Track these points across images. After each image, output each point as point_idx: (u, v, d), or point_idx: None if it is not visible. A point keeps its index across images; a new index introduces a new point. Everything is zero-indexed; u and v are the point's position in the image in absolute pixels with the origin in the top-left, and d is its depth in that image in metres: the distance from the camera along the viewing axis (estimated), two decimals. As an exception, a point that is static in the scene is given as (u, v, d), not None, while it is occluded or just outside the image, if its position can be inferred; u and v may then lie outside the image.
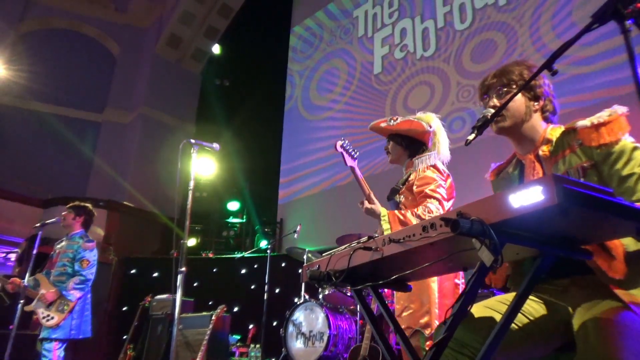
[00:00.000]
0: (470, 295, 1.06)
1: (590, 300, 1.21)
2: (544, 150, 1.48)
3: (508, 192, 0.92)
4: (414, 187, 2.37)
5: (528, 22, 5.48)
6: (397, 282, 1.48)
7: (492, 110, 1.44)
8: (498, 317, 1.27)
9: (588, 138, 1.36)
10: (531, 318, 1.32)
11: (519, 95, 1.51)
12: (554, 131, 1.51)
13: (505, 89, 1.57)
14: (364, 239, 1.37)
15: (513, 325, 1.28)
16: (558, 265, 1.10)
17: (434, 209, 2.25)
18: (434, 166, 2.43)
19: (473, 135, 1.37)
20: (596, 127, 1.35)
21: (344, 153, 2.52)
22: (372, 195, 2.40)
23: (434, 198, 2.30)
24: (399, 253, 1.18)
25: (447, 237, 1.01)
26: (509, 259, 1.36)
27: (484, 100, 1.64)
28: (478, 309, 1.36)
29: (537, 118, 1.55)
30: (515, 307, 1.06)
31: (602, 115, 1.35)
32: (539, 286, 1.37)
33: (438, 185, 2.34)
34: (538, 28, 5.34)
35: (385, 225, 2.24)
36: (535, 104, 1.56)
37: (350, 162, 2.52)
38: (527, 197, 0.88)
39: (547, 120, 1.57)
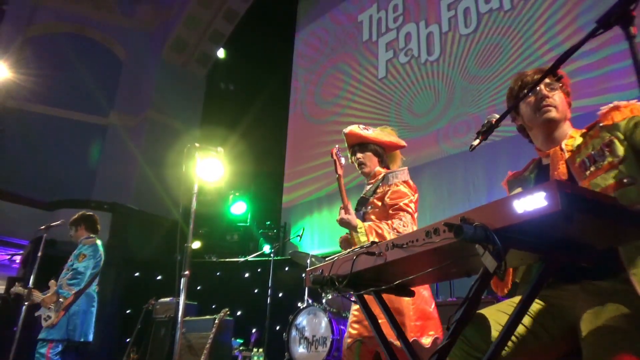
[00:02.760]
0: (473, 301, 1.05)
1: (598, 306, 1.20)
2: (567, 144, 1.49)
3: (511, 197, 0.92)
4: (386, 199, 2.39)
5: (533, 26, 5.47)
6: (401, 288, 1.47)
7: (497, 116, 1.43)
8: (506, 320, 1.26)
9: (608, 117, 1.37)
10: (539, 322, 1.32)
11: (562, 94, 1.55)
12: (577, 132, 1.53)
13: (558, 84, 1.57)
14: (367, 243, 1.37)
15: (521, 329, 1.27)
16: (566, 270, 1.10)
17: (409, 222, 2.33)
18: (407, 182, 2.49)
19: (477, 141, 1.37)
20: (616, 107, 1.37)
21: (337, 161, 2.53)
22: (349, 207, 2.37)
23: (407, 212, 2.36)
24: (402, 258, 1.17)
25: (450, 243, 1.01)
26: (513, 265, 1.35)
27: (522, 95, 1.58)
28: (490, 312, 1.36)
29: (568, 120, 1.58)
30: (520, 311, 1.06)
31: (622, 102, 1.37)
32: (548, 291, 1.36)
33: (410, 200, 2.42)
34: (544, 33, 5.33)
35: (363, 238, 2.23)
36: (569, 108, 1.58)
37: (340, 170, 2.53)
38: (531, 202, 0.87)
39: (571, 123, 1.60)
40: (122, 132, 11.47)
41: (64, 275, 4.03)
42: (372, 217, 2.42)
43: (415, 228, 2.35)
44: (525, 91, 1.58)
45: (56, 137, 10.65)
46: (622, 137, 1.32)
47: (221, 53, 12.05)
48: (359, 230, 2.27)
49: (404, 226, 2.29)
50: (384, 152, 2.62)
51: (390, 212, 2.36)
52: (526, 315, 1.28)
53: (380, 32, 7.60)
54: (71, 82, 11.11)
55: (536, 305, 1.34)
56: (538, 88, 1.55)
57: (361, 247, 1.38)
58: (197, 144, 2.75)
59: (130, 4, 12.37)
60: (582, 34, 1.17)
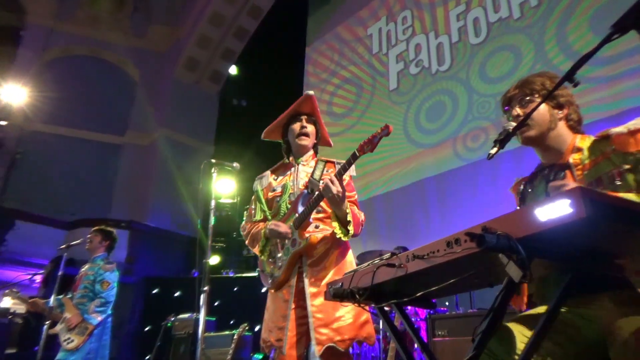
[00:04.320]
0: (498, 312, 1.04)
1: (627, 316, 1.17)
2: (574, 158, 1.46)
3: (534, 205, 0.91)
4: None
5: (544, 35, 5.45)
6: (422, 299, 1.46)
7: (514, 124, 1.43)
8: (531, 332, 1.24)
9: (624, 144, 1.34)
10: (565, 334, 1.29)
11: (542, 104, 1.49)
12: (584, 140, 1.49)
13: (528, 98, 1.56)
14: (387, 255, 1.36)
15: (547, 340, 1.25)
16: (593, 280, 1.08)
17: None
18: (351, 178, 2.38)
19: (495, 149, 1.36)
20: (632, 133, 1.33)
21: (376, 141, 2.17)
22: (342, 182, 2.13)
23: (359, 209, 2.29)
24: (423, 269, 1.16)
25: (472, 253, 1.00)
26: (537, 274, 1.33)
27: (506, 112, 1.63)
28: (513, 323, 1.33)
29: (562, 126, 1.54)
30: (546, 322, 1.04)
31: (638, 123, 1.34)
32: (573, 300, 1.33)
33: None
34: (556, 42, 5.30)
35: (351, 219, 2.08)
36: (559, 112, 1.54)
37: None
38: (554, 210, 0.86)
39: (573, 129, 1.55)
40: (137, 150, 11.64)
41: (82, 296, 4.06)
42: (323, 204, 2.24)
43: None
44: (505, 109, 1.60)
45: (73, 157, 10.83)
46: (632, 167, 1.30)
47: (233, 70, 12.21)
48: (347, 211, 2.11)
49: (363, 221, 2.25)
50: (318, 140, 2.54)
51: (346, 202, 2.21)
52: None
53: (390, 44, 7.64)
54: (88, 103, 11.33)
55: (561, 316, 1.32)
56: (509, 110, 1.57)
57: (380, 259, 1.37)
58: (213, 160, 2.78)
59: (143, 26, 12.63)
60: (596, 40, 1.15)
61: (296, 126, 2.44)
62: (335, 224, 2.14)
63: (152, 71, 12.21)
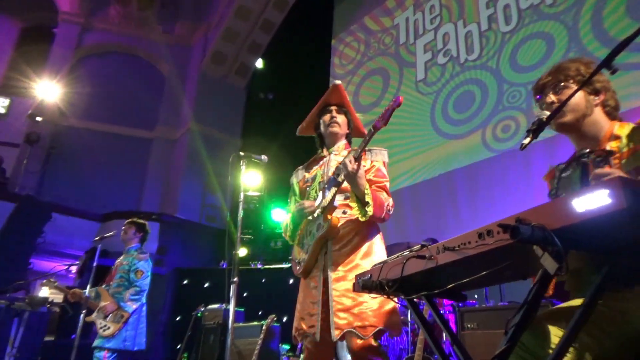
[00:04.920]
0: (532, 305, 1.02)
1: None
2: (612, 146, 1.41)
3: (571, 196, 0.88)
4: (370, 175, 2.22)
5: (579, 21, 5.27)
6: (452, 292, 1.45)
7: (547, 113, 1.38)
8: (565, 326, 1.21)
9: None
10: (600, 328, 1.25)
11: (571, 90, 1.44)
12: (623, 128, 1.43)
13: (562, 84, 1.50)
14: (416, 247, 1.35)
15: (582, 334, 1.21)
16: (631, 273, 1.04)
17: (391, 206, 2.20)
18: (385, 164, 2.33)
19: (528, 139, 1.33)
20: None
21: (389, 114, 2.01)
22: (361, 164, 2.07)
23: (389, 195, 2.22)
24: (454, 261, 1.15)
25: (505, 245, 0.98)
26: (573, 266, 1.30)
27: (538, 101, 1.58)
28: (546, 316, 1.30)
29: (599, 113, 1.48)
30: (582, 317, 1.01)
31: None
32: (610, 294, 1.29)
33: (388, 184, 2.29)
34: (591, 27, 5.12)
35: (370, 200, 2.02)
36: (596, 98, 1.49)
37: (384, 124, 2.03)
38: (593, 201, 0.84)
39: (610, 116, 1.49)
40: (166, 144, 11.87)
41: (119, 285, 4.19)
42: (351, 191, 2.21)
43: None
44: (537, 98, 1.54)
45: (105, 152, 11.14)
46: None
47: (259, 63, 12.28)
48: (366, 191, 2.05)
49: (392, 206, 2.18)
50: (351, 130, 2.53)
51: (374, 188, 2.19)
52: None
53: (418, 33, 7.52)
54: (118, 99, 11.61)
55: (598, 310, 1.28)
56: (542, 98, 1.51)
57: (410, 251, 1.36)
58: (241, 153, 2.80)
59: (171, 21, 12.83)
60: (634, 26, 1.11)
61: (326, 117, 2.45)
62: (354, 204, 2.11)
63: (180, 66, 12.40)
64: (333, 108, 2.47)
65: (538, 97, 1.60)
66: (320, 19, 10.22)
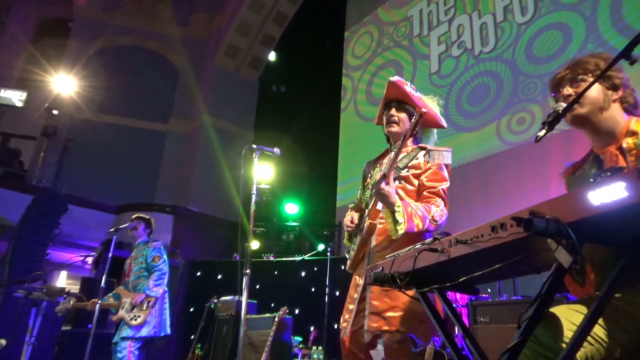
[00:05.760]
0: (545, 299, 1.01)
1: None
2: (628, 142, 1.38)
3: (587, 188, 0.87)
4: (423, 179, 2.16)
5: (596, 10, 5.16)
6: (465, 285, 1.44)
7: (564, 105, 1.36)
8: (579, 320, 1.20)
9: None
10: (618, 322, 1.23)
11: (596, 84, 1.41)
12: (639, 124, 1.40)
13: (580, 77, 1.48)
14: (429, 240, 1.34)
15: (597, 328, 1.20)
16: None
17: (444, 211, 2.10)
18: (448, 166, 2.24)
19: (544, 132, 1.31)
20: None
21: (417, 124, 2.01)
22: (392, 177, 2.00)
23: (443, 199, 2.13)
24: (467, 255, 1.14)
25: (519, 238, 0.97)
26: (588, 260, 1.28)
27: (554, 97, 1.55)
28: (561, 310, 1.29)
29: (616, 108, 1.45)
30: (597, 310, 1.00)
31: None
32: (626, 288, 1.27)
33: (447, 187, 2.18)
34: (610, 16, 5.01)
35: (398, 218, 1.93)
36: (614, 93, 1.45)
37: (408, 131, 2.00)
38: (609, 193, 0.82)
39: (628, 112, 1.46)
40: (180, 137, 11.95)
41: (138, 277, 4.25)
42: (401, 193, 2.14)
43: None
44: (553, 95, 1.51)
45: (120, 144, 11.26)
46: None
47: (272, 56, 12.27)
48: (396, 208, 1.96)
49: (440, 215, 2.07)
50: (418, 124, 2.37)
51: (425, 194, 2.12)
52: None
53: (432, 25, 7.44)
54: (133, 92, 11.71)
55: (613, 303, 1.26)
56: (559, 92, 1.48)
57: (422, 244, 1.35)
58: (254, 146, 2.80)
59: (185, 14, 12.87)
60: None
61: (387, 115, 2.38)
62: (389, 220, 1.98)
63: (194, 59, 12.45)
64: (393, 105, 2.37)
65: (553, 94, 1.57)
66: (333, 11, 10.16)
